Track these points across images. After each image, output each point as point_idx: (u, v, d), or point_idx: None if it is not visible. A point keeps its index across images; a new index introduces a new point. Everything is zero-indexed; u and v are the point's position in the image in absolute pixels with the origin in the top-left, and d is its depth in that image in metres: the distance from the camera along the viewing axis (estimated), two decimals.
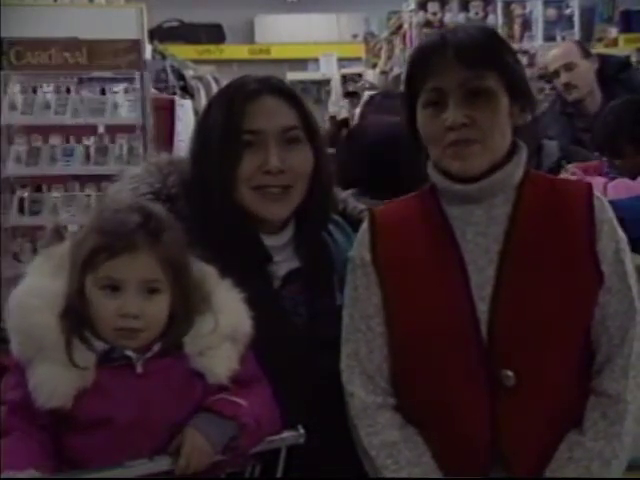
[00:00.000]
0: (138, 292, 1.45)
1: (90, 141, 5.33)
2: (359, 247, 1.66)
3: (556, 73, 4.05)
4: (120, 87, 5.40)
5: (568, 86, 4.01)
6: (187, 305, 1.50)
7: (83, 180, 5.26)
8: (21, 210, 5.22)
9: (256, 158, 1.67)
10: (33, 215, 5.21)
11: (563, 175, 2.93)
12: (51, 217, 5.08)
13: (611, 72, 4.02)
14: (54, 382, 1.41)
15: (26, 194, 5.25)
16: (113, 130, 5.38)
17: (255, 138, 1.68)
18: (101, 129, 5.40)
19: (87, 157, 5.28)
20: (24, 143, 5.24)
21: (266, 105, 1.70)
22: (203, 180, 1.70)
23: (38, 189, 5.31)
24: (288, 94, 1.73)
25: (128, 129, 5.33)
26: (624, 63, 4.09)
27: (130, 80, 5.40)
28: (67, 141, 5.33)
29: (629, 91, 3.85)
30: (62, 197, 5.26)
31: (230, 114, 1.68)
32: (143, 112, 5.27)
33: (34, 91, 5.32)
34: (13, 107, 5.21)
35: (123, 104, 5.34)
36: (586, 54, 4.03)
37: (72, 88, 5.36)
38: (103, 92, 5.36)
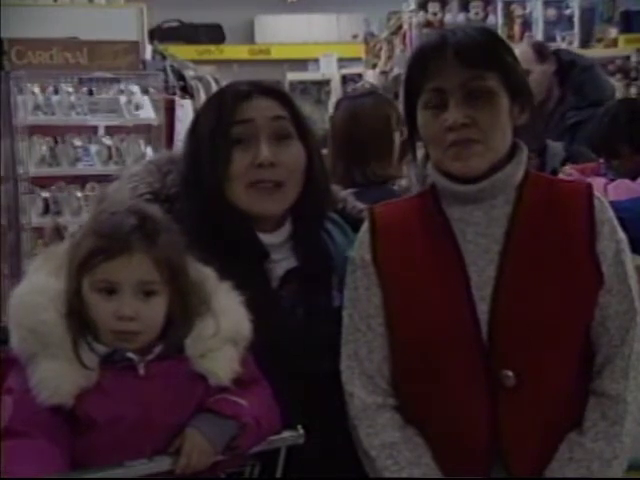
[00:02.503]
0: (134, 294, 1.45)
1: (111, 141, 5.36)
2: (359, 247, 1.66)
3: None
4: (136, 87, 5.44)
5: None
6: (185, 307, 1.50)
7: (100, 180, 5.25)
8: (46, 211, 5.22)
9: (247, 154, 1.68)
10: (55, 216, 5.17)
11: (560, 176, 2.94)
12: (73, 218, 5.08)
13: (564, 67, 4.03)
14: (58, 379, 1.40)
15: (49, 194, 5.25)
16: (133, 130, 5.42)
17: (245, 130, 1.68)
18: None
19: (109, 157, 5.30)
20: (44, 143, 5.25)
21: (256, 102, 1.71)
22: (197, 180, 1.70)
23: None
24: (278, 94, 1.74)
25: (148, 129, 5.40)
26: (571, 62, 4.09)
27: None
28: (87, 141, 5.38)
29: (573, 91, 3.91)
30: (83, 197, 5.27)
31: (220, 112, 1.69)
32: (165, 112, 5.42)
33: (55, 92, 5.33)
34: (36, 107, 5.23)
35: (143, 104, 5.36)
36: (542, 58, 4.00)
37: (93, 88, 5.40)
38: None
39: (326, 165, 1.84)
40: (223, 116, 1.69)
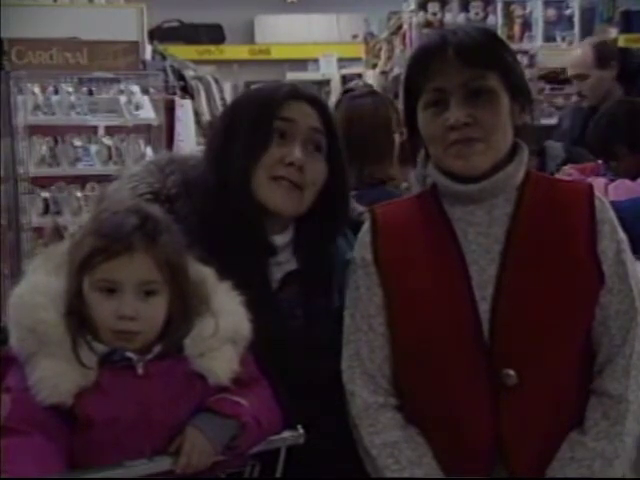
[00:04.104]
0: (134, 294, 1.45)
1: (111, 141, 5.37)
2: (360, 247, 1.66)
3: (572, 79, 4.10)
4: (136, 87, 5.44)
5: (580, 94, 4.06)
6: (185, 307, 1.50)
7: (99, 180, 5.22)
8: (46, 211, 5.21)
9: (281, 151, 1.70)
10: (55, 216, 5.15)
11: (559, 176, 2.94)
12: (73, 218, 5.07)
13: (631, 71, 4.00)
14: (57, 378, 1.41)
15: (49, 194, 5.25)
16: (133, 130, 5.43)
17: (286, 127, 1.70)
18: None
19: (109, 157, 5.30)
20: (44, 143, 5.25)
21: (302, 107, 1.73)
22: (222, 171, 1.70)
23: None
24: (321, 106, 1.77)
25: (148, 129, 5.42)
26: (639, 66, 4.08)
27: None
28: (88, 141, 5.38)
29: (638, 95, 3.84)
30: (83, 197, 5.26)
31: (268, 105, 1.72)
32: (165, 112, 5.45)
33: (55, 92, 5.33)
34: (36, 107, 5.22)
35: (143, 104, 5.37)
36: (602, 63, 3.98)
37: (93, 88, 5.41)
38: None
39: (349, 184, 1.84)
40: (271, 109, 1.71)
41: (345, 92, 2.89)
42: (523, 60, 5.22)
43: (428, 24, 5.87)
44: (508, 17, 5.76)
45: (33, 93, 5.23)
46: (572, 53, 4.28)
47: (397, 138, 2.63)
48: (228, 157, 1.71)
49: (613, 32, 5.59)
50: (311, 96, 1.77)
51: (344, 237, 1.82)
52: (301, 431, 1.56)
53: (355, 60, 11.40)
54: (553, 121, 4.62)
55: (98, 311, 1.45)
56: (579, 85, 4.04)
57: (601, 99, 3.91)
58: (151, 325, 1.47)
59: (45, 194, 5.24)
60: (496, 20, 5.71)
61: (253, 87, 1.93)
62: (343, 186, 1.79)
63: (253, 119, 1.71)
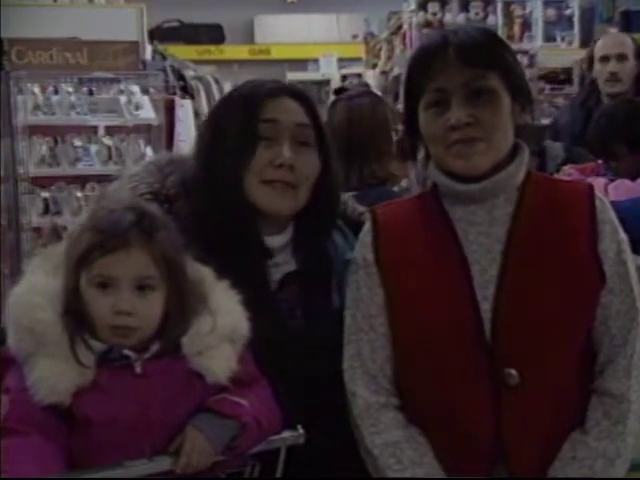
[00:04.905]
0: (131, 289, 1.45)
1: (111, 141, 5.37)
2: (361, 247, 1.66)
3: (605, 59, 3.89)
4: (136, 87, 5.45)
5: (614, 76, 3.85)
6: (183, 304, 1.50)
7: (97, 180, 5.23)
8: (46, 211, 5.21)
9: (268, 152, 1.69)
10: (55, 216, 5.17)
11: (559, 176, 2.93)
12: (73, 218, 5.05)
13: None
14: (55, 378, 1.41)
15: (49, 194, 5.25)
16: (133, 130, 5.44)
17: (271, 129, 1.69)
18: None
19: (109, 157, 5.31)
20: (44, 143, 5.25)
21: (284, 103, 1.72)
22: (212, 173, 1.70)
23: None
24: (304, 99, 1.76)
25: (148, 129, 5.43)
26: None
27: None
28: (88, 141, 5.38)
29: None
30: (83, 197, 5.26)
31: (249, 107, 1.70)
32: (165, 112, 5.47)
33: (55, 92, 5.34)
34: (36, 107, 5.23)
35: (143, 104, 5.37)
36: (637, 54, 3.91)
37: (93, 88, 5.42)
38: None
39: (339, 176, 1.84)
40: (252, 112, 1.70)
41: (337, 92, 2.88)
42: (523, 60, 5.23)
43: (428, 24, 5.89)
44: (508, 17, 5.77)
45: (33, 93, 5.23)
46: (605, 38, 4.14)
47: (394, 135, 2.63)
48: (217, 164, 1.70)
49: (613, 32, 5.59)
50: (293, 91, 1.75)
51: (344, 237, 1.82)
52: (301, 431, 1.56)
53: (355, 60, 11.42)
54: None
55: (95, 307, 1.45)
56: (615, 66, 3.85)
57: (626, 90, 3.82)
58: (148, 321, 1.47)
59: (45, 194, 5.25)
60: (496, 20, 5.72)
61: (233, 89, 1.87)
62: (332, 178, 1.78)
63: (237, 126, 1.69)
